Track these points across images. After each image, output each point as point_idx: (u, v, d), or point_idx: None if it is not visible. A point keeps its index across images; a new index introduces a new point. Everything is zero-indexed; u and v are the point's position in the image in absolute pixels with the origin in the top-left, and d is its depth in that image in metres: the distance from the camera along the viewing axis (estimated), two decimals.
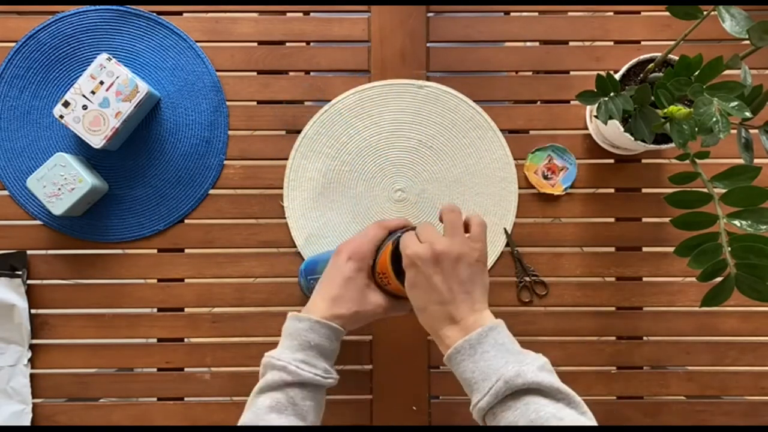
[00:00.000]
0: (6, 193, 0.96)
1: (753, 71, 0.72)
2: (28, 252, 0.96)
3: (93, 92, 0.89)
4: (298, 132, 0.97)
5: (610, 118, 0.75)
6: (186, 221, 0.97)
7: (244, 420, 0.62)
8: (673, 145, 0.82)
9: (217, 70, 0.97)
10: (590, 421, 0.54)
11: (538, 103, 0.99)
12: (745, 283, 0.63)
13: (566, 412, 0.54)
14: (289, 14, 0.99)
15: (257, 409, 0.61)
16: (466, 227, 0.67)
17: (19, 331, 0.94)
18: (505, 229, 0.96)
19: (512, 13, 0.99)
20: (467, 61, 0.98)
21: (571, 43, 0.99)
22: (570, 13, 0.99)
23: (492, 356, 0.57)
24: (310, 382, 0.63)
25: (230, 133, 0.97)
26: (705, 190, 0.66)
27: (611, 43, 0.98)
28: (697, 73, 0.70)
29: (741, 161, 0.68)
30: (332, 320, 0.66)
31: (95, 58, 0.89)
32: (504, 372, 0.55)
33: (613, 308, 0.97)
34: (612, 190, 0.97)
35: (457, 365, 0.59)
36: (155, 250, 0.97)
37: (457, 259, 0.63)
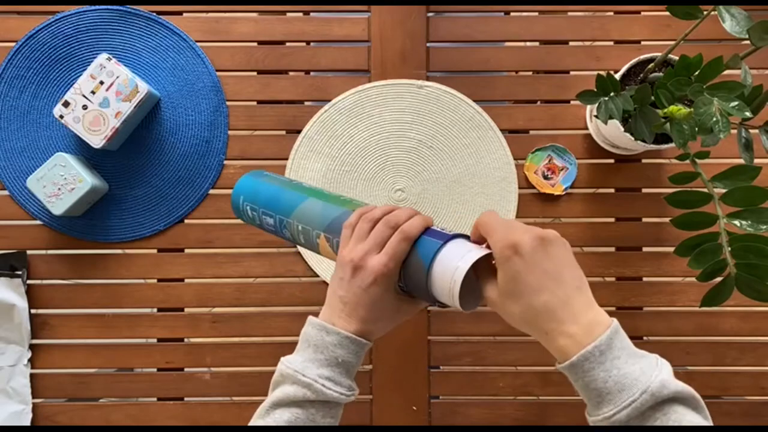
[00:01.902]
0: (6, 193, 0.96)
1: (753, 71, 0.72)
2: (28, 252, 0.96)
3: (93, 92, 0.89)
4: (298, 132, 0.97)
5: (610, 118, 0.75)
6: (186, 221, 0.97)
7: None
8: (673, 145, 0.82)
9: (217, 70, 0.97)
10: (711, 424, 0.53)
11: (538, 103, 0.99)
12: (745, 283, 0.63)
13: (699, 418, 0.52)
14: (289, 14, 0.99)
15: (274, 421, 0.58)
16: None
17: (19, 331, 0.94)
18: None
19: (512, 13, 0.99)
20: (467, 61, 0.98)
21: (571, 43, 0.99)
22: (570, 13, 0.99)
23: (623, 362, 0.53)
24: (335, 401, 0.58)
25: (230, 133, 0.97)
26: (705, 190, 0.66)
27: (611, 43, 0.98)
28: (697, 73, 0.70)
29: (741, 161, 0.68)
30: (364, 336, 0.60)
31: (95, 58, 0.89)
32: (649, 383, 0.51)
33: (613, 308, 0.97)
34: (612, 190, 0.97)
35: (584, 374, 0.52)
36: (155, 250, 0.97)
37: (563, 243, 0.55)
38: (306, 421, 0.58)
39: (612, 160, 0.97)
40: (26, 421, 0.93)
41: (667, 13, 0.71)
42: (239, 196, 0.70)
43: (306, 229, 0.67)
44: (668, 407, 0.52)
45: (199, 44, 0.97)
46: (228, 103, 0.97)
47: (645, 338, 0.97)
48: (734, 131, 0.70)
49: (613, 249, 0.97)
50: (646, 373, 0.52)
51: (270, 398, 0.60)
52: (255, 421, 0.60)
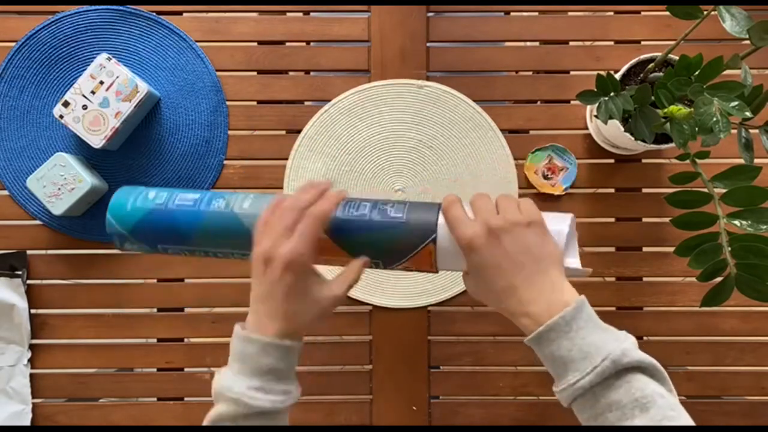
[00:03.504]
0: (6, 193, 0.96)
1: (753, 71, 0.72)
2: (28, 252, 0.96)
3: (93, 92, 0.89)
4: (298, 132, 0.97)
5: (611, 117, 0.75)
6: None
7: None
8: (673, 145, 0.82)
9: (217, 70, 0.97)
10: (676, 398, 0.55)
11: (538, 103, 0.99)
12: (745, 283, 0.63)
13: (663, 389, 0.54)
14: (289, 14, 0.99)
15: None
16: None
17: (19, 331, 0.94)
18: None
19: (512, 13, 0.99)
20: (467, 61, 0.98)
21: (571, 43, 0.99)
22: (570, 13, 0.99)
23: (587, 332, 0.55)
24: (269, 411, 0.56)
25: (230, 133, 0.97)
26: (705, 190, 0.66)
27: (611, 43, 0.98)
28: (697, 73, 0.70)
29: (741, 161, 0.68)
30: (288, 336, 0.57)
31: (95, 58, 0.89)
32: (610, 350, 0.53)
33: (613, 308, 0.97)
34: (612, 190, 0.97)
35: (549, 343, 0.55)
36: None
37: (522, 227, 0.58)
38: None
39: (612, 160, 0.97)
40: (26, 421, 0.93)
41: (667, 13, 0.71)
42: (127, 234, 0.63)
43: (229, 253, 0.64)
44: (631, 375, 0.53)
45: (199, 44, 0.97)
46: (228, 103, 0.97)
47: (645, 338, 0.96)
48: (734, 131, 0.70)
49: (613, 249, 0.97)
50: (609, 343, 0.54)
51: (207, 418, 0.58)
52: None
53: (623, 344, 0.55)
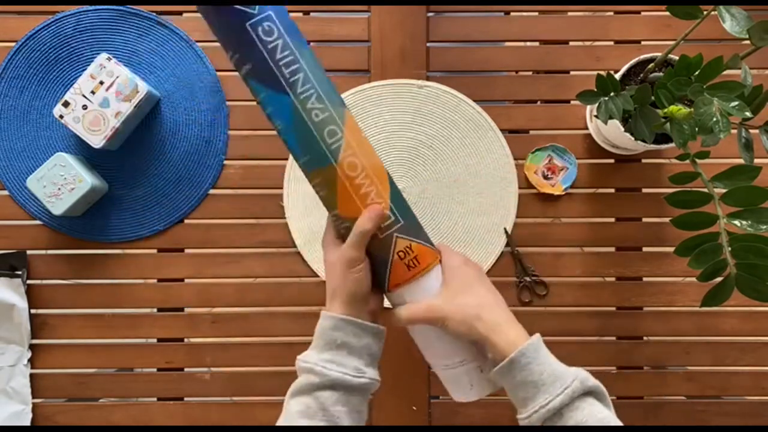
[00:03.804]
0: (6, 193, 0.96)
1: (753, 71, 0.72)
2: (28, 252, 0.96)
3: (93, 92, 0.89)
4: None
5: (611, 117, 0.75)
6: (186, 221, 0.97)
7: (279, 424, 0.60)
8: (673, 145, 0.82)
9: (217, 70, 0.97)
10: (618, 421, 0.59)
11: (538, 103, 0.99)
12: (745, 283, 0.63)
13: (611, 414, 0.57)
14: (289, 14, 0.99)
15: (289, 414, 0.59)
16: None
17: (19, 331, 0.94)
18: (505, 229, 0.96)
19: (512, 13, 0.99)
20: (467, 61, 0.98)
21: (571, 43, 0.99)
22: (570, 13, 0.99)
23: (552, 360, 0.59)
24: (340, 383, 0.59)
25: (230, 133, 0.97)
26: (705, 190, 0.66)
27: (611, 43, 0.98)
28: (697, 73, 0.70)
29: (741, 161, 0.68)
30: (346, 314, 0.61)
31: (95, 58, 0.89)
32: (576, 373, 0.58)
33: (613, 308, 0.97)
34: (612, 190, 0.97)
35: (520, 369, 0.58)
36: (155, 250, 0.97)
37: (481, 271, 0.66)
38: (316, 409, 0.59)
39: (612, 160, 0.97)
40: (26, 421, 0.93)
41: (667, 13, 0.71)
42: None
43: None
44: (589, 398, 0.57)
45: (199, 44, 0.97)
46: (228, 103, 0.97)
47: (645, 338, 0.96)
48: (734, 131, 0.70)
49: (613, 249, 0.97)
50: (570, 368, 0.59)
51: (288, 392, 0.62)
52: (279, 418, 0.61)
53: (581, 371, 0.58)
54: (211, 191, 0.97)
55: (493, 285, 0.65)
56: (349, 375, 0.60)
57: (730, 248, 0.64)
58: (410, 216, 0.63)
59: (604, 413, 0.56)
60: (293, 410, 0.59)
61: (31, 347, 0.95)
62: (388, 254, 0.62)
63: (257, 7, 0.58)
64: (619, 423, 0.56)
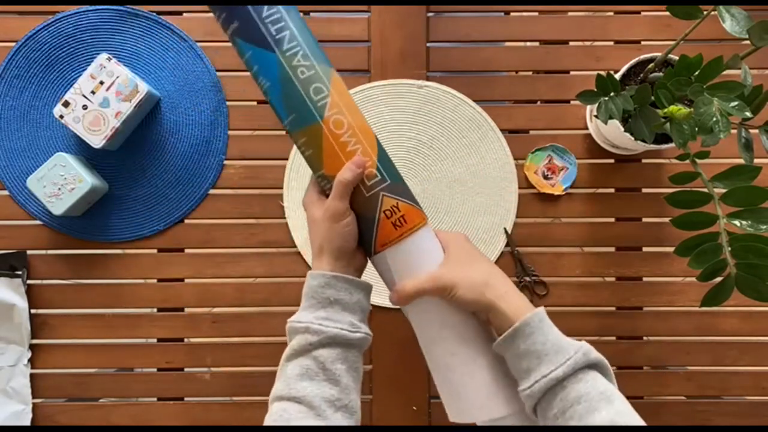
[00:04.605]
0: (6, 193, 0.96)
1: (753, 71, 0.72)
2: (28, 252, 0.96)
3: (93, 92, 0.89)
4: None
5: (611, 117, 0.75)
6: (186, 221, 0.97)
7: (276, 391, 0.60)
8: (673, 145, 0.82)
9: (217, 70, 0.97)
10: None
11: (538, 103, 0.99)
12: (745, 283, 0.63)
13: (614, 388, 0.57)
14: None
15: (287, 378, 0.59)
16: None
17: (19, 331, 0.94)
18: (505, 229, 0.96)
19: (512, 13, 0.99)
20: (467, 61, 0.98)
21: (571, 43, 0.99)
22: (570, 13, 0.99)
23: (556, 332, 0.59)
24: (337, 339, 0.59)
25: (230, 133, 0.97)
26: (705, 190, 0.66)
27: (611, 43, 0.98)
28: (697, 73, 0.70)
29: (741, 161, 0.68)
30: (336, 270, 0.62)
31: (95, 58, 0.89)
32: (580, 345, 0.57)
33: (613, 308, 0.97)
34: (612, 190, 0.97)
35: (525, 338, 0.58)
36: (155, 250, 0.97)
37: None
38: (317, 369, 0.59)
39: (612, 160, 0.97)
40: (26, 421, 0.93)
41: (667, 13, 0.71)
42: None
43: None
44: (592, 371, 0.57)
45: (199, 44, 0.97)
46: (228, 103, 0.97)
47: (645, 338, 0.96)
48: (734, 131, 0.70)
49: (613, 249, 0.97)
50: (573, 341, 0.58)
51: (283, 356, 0.61)
52: (275, 385, 0.61)
53: (585, 344, 0.58)
54: (211, 191, 0.97)
55: None
56: (346, 330, 0.60)
57: (730, 248, 0.64)
58: (398, 177, 0.62)
59: (606, 386, 0.56)
60: (292, 374, 0.59)
61: (31, 347, 0.95)
62: (374, 213, 0.61)
63: None
64: (621, 396, 0.55)
